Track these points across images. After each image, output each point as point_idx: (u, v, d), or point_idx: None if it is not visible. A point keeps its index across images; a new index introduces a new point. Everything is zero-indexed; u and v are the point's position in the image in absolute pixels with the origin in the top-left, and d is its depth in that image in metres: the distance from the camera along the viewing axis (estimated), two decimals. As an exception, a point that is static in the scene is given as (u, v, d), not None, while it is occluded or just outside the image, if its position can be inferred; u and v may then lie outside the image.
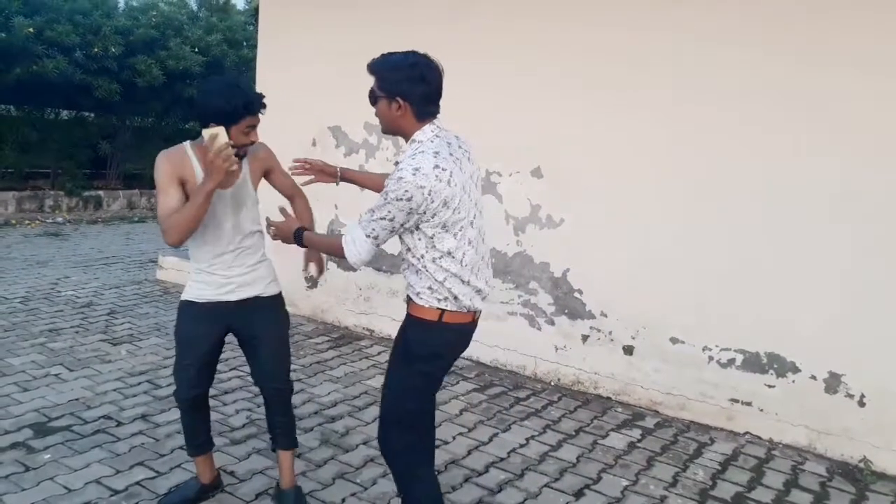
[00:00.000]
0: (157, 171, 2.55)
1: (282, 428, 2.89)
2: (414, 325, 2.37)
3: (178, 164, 2.56)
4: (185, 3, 12.81)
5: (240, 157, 2.56)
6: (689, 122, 4.08)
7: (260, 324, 2.78)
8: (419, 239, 2.28)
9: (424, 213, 2.20)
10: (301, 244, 2.53)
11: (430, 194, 2.17)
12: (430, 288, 2.31)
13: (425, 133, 2.30)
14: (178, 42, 11.10)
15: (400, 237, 2.34)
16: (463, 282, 2.32)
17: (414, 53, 2.33)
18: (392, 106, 2.29)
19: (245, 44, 12.58)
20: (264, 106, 2.59)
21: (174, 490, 2.95)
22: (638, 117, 4.24)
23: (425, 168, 2.17)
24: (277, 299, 2.89)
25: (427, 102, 2.30)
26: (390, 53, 2.35)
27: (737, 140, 3.96)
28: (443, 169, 2.20)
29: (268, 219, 2.65)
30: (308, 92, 5.68)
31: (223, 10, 13.09)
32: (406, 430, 2.39)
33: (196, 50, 11.30)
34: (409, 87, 2.27)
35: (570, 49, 4.44)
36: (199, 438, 2.88)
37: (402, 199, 2.17)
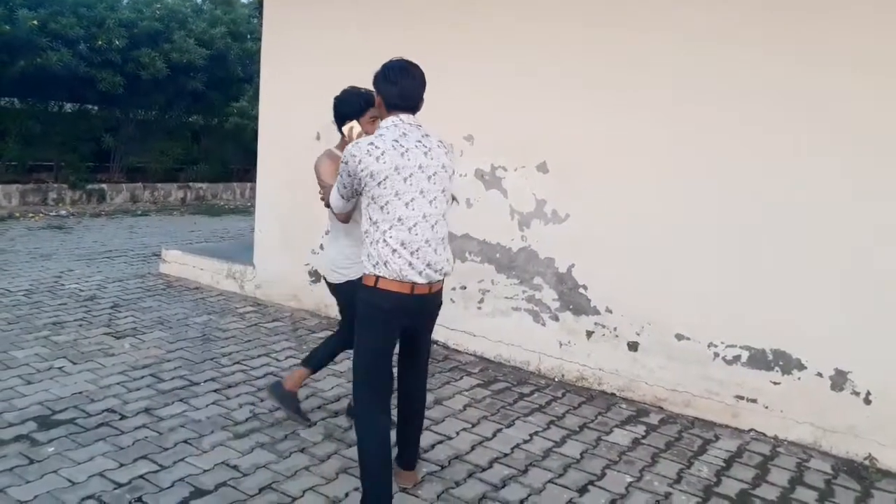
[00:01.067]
0: (321, 167, 3.35)
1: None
2: (360, 288, 2.80)
3: (336, 161, 3.15)
4: (190, -4, 12.81)
5: None
6: (693, 120, 4.06)
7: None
8: (363, 210, 2.77)
9: (359, 180, 2.69)
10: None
11: (359, 163, 2.67)
12: (368, 255, 2.74)
13: (386, 121, 2.79)
14: (182, 35, 11.09)
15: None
16: (393, 251, 2.67)
17: (395, 60, 2.84)
18: (377, 101, 2.86)
19: (249, 37, 12.58)
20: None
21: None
22: (643, 113, 4.21)
23: (362, 143, 2.70)
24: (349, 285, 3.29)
25: (394, 99, 2.77)
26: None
27: (739, 138, 3.94)
28: (376, 147, 2.67)
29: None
30: (312, 85, 5.64)
31: (227, 3, 13.08)
32: (364, 384, 2.80)
33: (200, 43, 11.29)
34: (383, 87, 2.79)
35: (574, 46, 4.42)
36: None
37: (343, 163, 2.74)
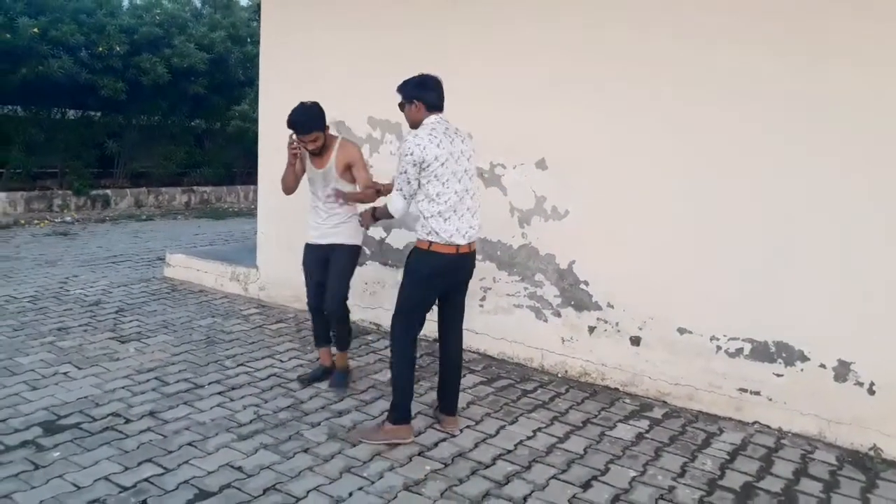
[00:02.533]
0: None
1: (336, 336, 4.24)
2: (414, 251, 3.53)
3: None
4: (189, 1, 12.83)
5: (311, 152, 4.00)
6: (693, 115, 4.05)
7: (335, 263, 4.08)
8: (420, 189, 3.42)
9: (423, 163, 3.32)
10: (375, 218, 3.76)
11: (424, 150, 3.32)
12: (422, 226, 3.44)
13: (429, 119, 3.47)
14: (183, 40, 11.12)
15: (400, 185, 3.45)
16: (445, 220, 3.41)
17: (426, 75, 3.50)
18: (412, 107, 3.47)
19: (249, 40, 12.60)
20: (308, 131, 3.87)
21: (309, 373, 4.29)
22: (642, 109, 4.21)
23: (421, 134, 3.38)
24: (350, 250, 4.12)
25: (434, 100, 3.47)
26: (406, 79, 3.51)
27: (739, 133, 3.93)
28: (433, 136, 3.37)
29: (339, 192, 3.92)
30: (311, 87, 5.64)
31: (226, 7, 13.11)
32: (406, 318, 3.54)
33: (200, 47, 11.32)
34: (422, 93, 3.45)
35: (572, 43, 4.42)
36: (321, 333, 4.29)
37: (406, 155, 3.35)
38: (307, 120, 3.87)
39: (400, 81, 3.51)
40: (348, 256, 4.11)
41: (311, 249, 4.18)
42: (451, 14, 4.89)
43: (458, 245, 3.44)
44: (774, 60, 3.81)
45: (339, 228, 4.10)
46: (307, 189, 4.15)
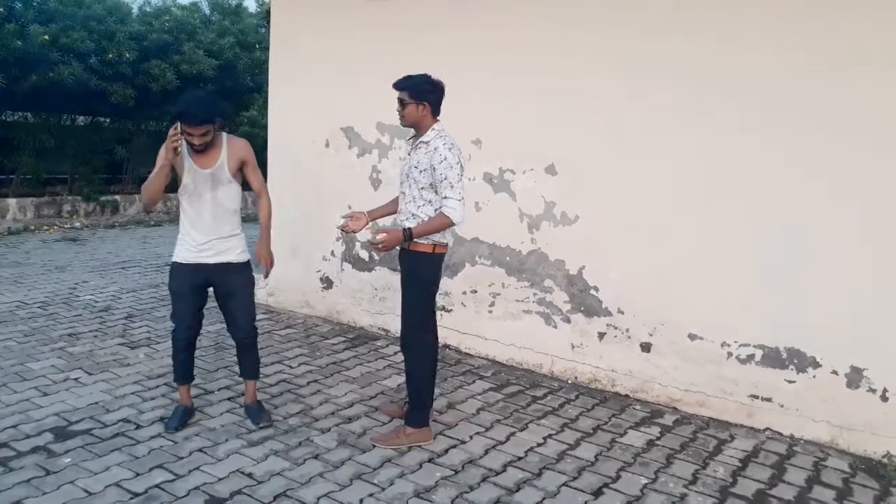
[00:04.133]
0: (159, 155, 3.42)
1: (249, 364, 3.78)
2: (417, 257, 3.47)
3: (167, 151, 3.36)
4: (198, 7, 12.90)
5: (195, 150, 3.38)
6: (705, 119, 4.04)
7: (233, 283, 3.59)
8: (420, 194, 3.44)
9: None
10: (413, 238, 3.44)
11: (461, 155, 3.45)
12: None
13: (440, 124, 3.49)
14: (192, 46, 11.16)
15: (422, 195, 3.45)
16: None
17: (429, 76, 3.45)
18: (419, 108, 3.41)
19: (258, 46, 12.64)
20: (200, 123, 3.27)
21: (170, 418, 3.61)
22: (654, 114, 4.20)
23: (454, 142, 3.44)
24: (247, 266, 3.66)
25: (439, 107, 3.49)
26: (411, 76, 3.44)
27: (753, 138, 3.92)
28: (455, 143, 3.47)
29: (372, 235, 3.52)
30: (320, 93, 5.69)
31: (235, 14, 13.15)
32: (422, 325, 3.58)
33: (209, 54, 11.36)
34: (434, 97, 3.43)
35: (581, 49, 4.42)
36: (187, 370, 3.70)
37: (461, 161, 3.42)
38: (200, 109, 3.28)
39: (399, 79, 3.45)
40: (249, 273, 3.67)
41: (188, 271, 3.52)
42: (459, 20, 4.89)
43: (447, 245, 3.57)
44: (788, 62, 3.79)
45: (232, 242, 3.58)
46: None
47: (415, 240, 3.41)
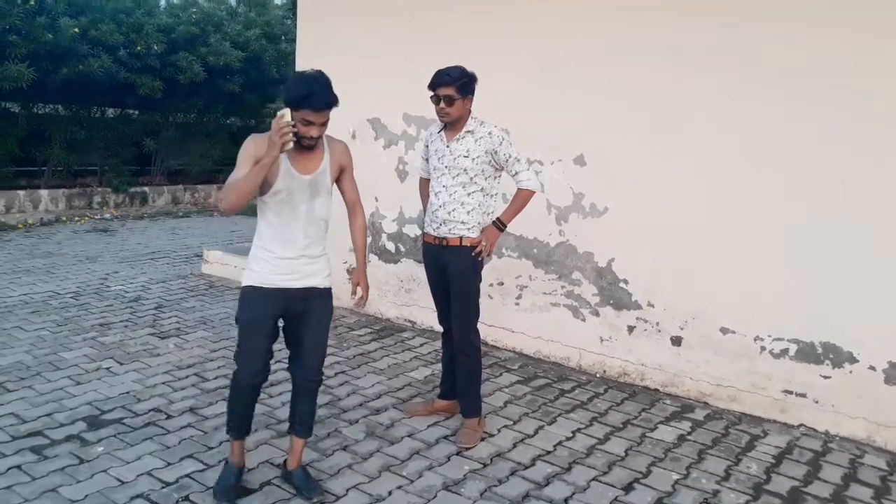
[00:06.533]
0: (242, 149, 2.72)
1: (305, 416, 3.03)
2: (467, 252, 3.43)
3: (261, 146, 2.68)
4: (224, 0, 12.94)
5: (304, 146, 2.73)
6: (736, 111, 3.96)
7: (312, 313, 2.92)
8: (486, 181, 3.48)
9: None
10: (505, 227, 3.55)
11: None
12: (477, 221, 3.45)
13: (478, 117, 3.50)
14: (218, 38, 11.22)
15: (474, 182, 3.44)
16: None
17: (462, 67, 3.39)
18: (465, 102, 3.39)
19: (283, 38, 12.67)
20: (326, 106, 2.70)
21: (220, 480, 2.94)
22: (683, 104, 4.13)
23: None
24: (330, 293, 3.00)
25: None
26: (451, 68, 3.36)
27: (786, 129, 3.83)
28: None
29: (482, 246, 3.43)
30: (346, 84, 5.57)
31: (261, 5, 13.18)
32: (476, 319, 3.59)
33: (235, 45, 11.41)
34: (472, 87, 3.41)
35: (612, 36, 4.35)
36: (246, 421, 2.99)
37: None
38: (327, 90, 2.71)
39: (439, 73, 3.35)
40: (331, 303, 3.00)
41: (267, 297, 2.83)
42: (487, 5, 4.84)
43: None
44: (822, 53, 3.70)
45: (320, 264, 2.93)
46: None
47: (467, 235, 3.43)
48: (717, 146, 4.05)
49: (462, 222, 3.42)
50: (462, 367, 3.57)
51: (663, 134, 4.21)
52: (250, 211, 11.44)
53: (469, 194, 3.43)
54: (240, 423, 2.95)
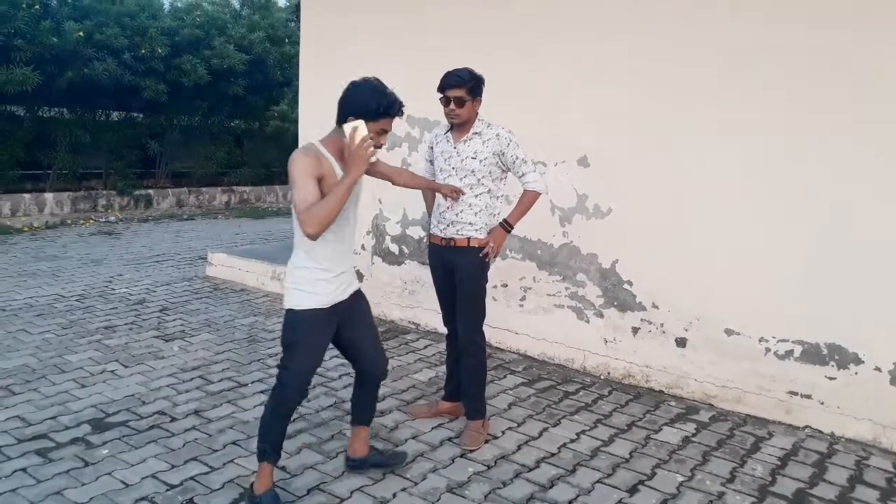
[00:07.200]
0: (294, 166, 2.60)
1: (370, 406, 3.16)
2: (475, 252, 3.44)
3: (316, 160, 2.63)
4: (228, 2, 12.99)
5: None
6: (739, 111, 3.95)
7: (362, 311, 2.98)
8: (493, 183, 3.48)
9: None
10: (512, 229, 3.53)
11: None
12: (484, 223, 3.46)
13: (481, 115, 3.51)
14: (222, 41, 11.26)
15: (481, 183, 3.44)
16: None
17: (470, 69, 3.38)
18: (475, 104, 3.41)
19: (287, 40, 12.70)
20: (401, 113, 2.74)
21: None
22: (687, 105, 4.12)
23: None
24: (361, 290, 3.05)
25: None
26: (461, 70, 3.35)
27: (792, 129, 3.82)
28: None
29: (489, 248, 3.44)
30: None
31: (265, 8, 13.23)
32: (483, 321, 3.60)
33: (239, 48, 11.45)
34: (481, 88, 3.42)
35: (616, 36, 4.34)
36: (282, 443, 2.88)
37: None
38: (397, 98, 2.72)
39: (449, 74, 3.34)
40: (363, 294, 3.05)
41: (326, 317, 2.78)
42: (492, 11, 4.84)
43: None
44: (821, 38, 3.69)
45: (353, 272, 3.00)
46: None
47: (474, 236, 3.45)
48: (721, 146, 4.04)
49: (470, 223, 3.44)
50: (467, 369, 3.56)
51: (667, 135, 4.20)
52: (253, 214, 11.44)
53: (476, 196, 3.44)
54: (278, 442, 2.82)
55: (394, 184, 3.23)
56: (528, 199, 3.48)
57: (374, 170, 2.99)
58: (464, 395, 3.65)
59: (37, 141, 10.13)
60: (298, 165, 2.60)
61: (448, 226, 3.47)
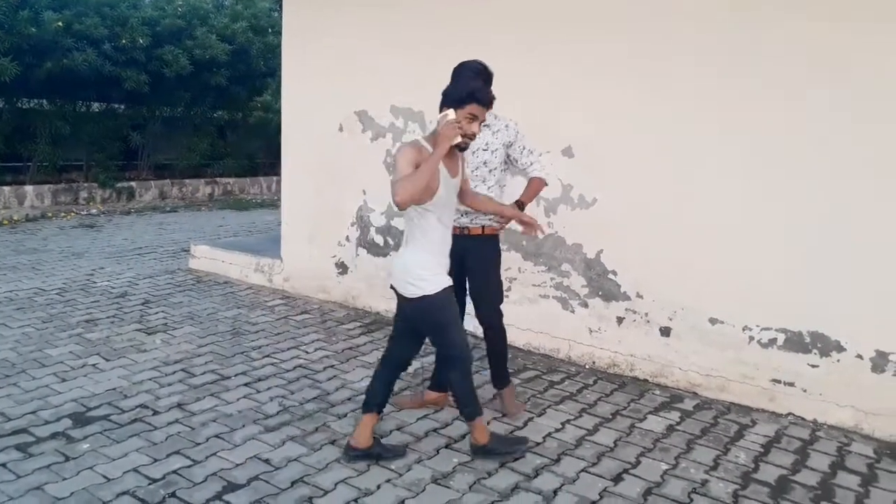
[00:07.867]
0: (399, 154, 2.91)
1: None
2: (491, 239, 3.60)
3: (417, 151, 2.91)
4: (210, -8, 12.83)
5: (463, 147, 3.01)
6: (725, 102, 3.95)
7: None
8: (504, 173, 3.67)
9: None
10: (524, 208, 3.63)
11: None
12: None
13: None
14: (204, 31, 11.12)
15: (493, 175, 3.56)
16: None
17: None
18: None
19: (270, 30, 12.57)
20: (489, 103, 3.01)
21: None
22: (672, 95, 4.12)
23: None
24: None
25: None
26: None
27: (777, 117, 3.83)
28: None
29: (530, 220, 3.43)
30: (334, 77, 5.63)
31: (248, -2, 13.08)
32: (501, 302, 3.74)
33: (222, 38, 11.32)
34: None
35: (603, 25, 4.33)
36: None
37: None
38: (489, 85, 3.06)
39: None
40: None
41: (451, 293, 3.11)
42: (476, 3, 4.80)
43: None
44: (825, 43, 3.69)
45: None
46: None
47: (488, 224, 3.55)
48: (706, 137, 4.04)
49: (482, 213, 3.51)
50: (493, 356, 3.76)
51: (651, 125, 4.20)
52: (237, 206, 11.34)
53: (488, 188, 3.55)
54: (477, 398, 3.24)
55: (463, 203, 3.30)
56: (537, 184, 3.67)
57: (464, 186, 3.26)
58: (494, 373, 3.81)
59: (16, 133, 9.97)
60: (402, 154, 2.91)
61: (462, 215, 3.50)
